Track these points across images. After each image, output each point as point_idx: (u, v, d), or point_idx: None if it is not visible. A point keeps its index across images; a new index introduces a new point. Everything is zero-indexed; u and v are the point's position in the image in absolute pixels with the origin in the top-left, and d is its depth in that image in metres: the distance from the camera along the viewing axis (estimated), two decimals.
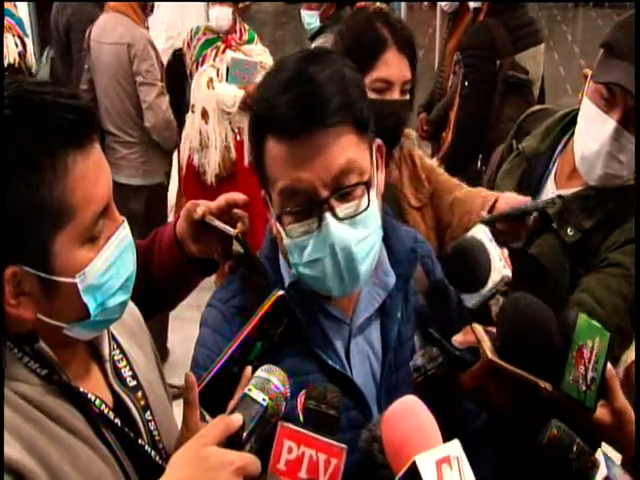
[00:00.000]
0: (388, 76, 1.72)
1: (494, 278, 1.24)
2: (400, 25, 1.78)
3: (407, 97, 1.78)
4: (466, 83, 3.17)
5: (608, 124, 1.47)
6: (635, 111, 1.43)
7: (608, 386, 1.06)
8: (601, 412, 1.06)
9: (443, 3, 4.11)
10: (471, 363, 1.11)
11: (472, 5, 3.51)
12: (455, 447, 0.91)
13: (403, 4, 7.29)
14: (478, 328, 1.10)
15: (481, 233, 1.29)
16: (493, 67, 3.14)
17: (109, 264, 0.96)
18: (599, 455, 1.00)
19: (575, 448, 0.97)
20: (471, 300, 1.26)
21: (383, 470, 0.97)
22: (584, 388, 1.03)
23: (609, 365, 1.05)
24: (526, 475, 1.05)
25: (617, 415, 1.07)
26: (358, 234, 1.09)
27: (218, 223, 1.26)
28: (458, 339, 1.13)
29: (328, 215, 1.07)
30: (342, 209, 1.08)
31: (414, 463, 0.88)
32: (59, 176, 0.89)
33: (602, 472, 0.98)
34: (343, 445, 0.98)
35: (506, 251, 1.30)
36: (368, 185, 1.10)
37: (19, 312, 0.92)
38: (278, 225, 1.12)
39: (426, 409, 0.96)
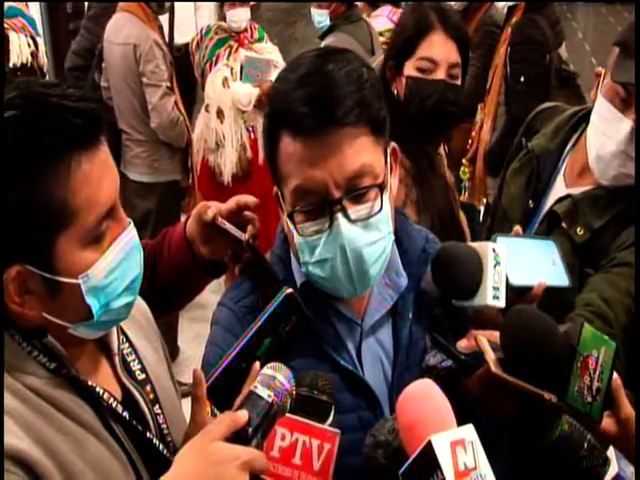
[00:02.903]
0: (432, 55, 1.76)
1: (476, 301, 1.19)
2: (451, 13, 1.84)
3: (457, 82, 1.80)
4: (522, 79, 3.15)
5: (624, 124, 1.46)
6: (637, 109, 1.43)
7: (614, 396, 1.05)
8: (607, 422, 1.05)
9: (453, 2, 4.11)
10: (477, 367, 1.11)
11: (502, 4, 3.50)
12: (470, 431, 0.92)
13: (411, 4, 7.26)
14: (482, 339, 1.10)
15: (488, 253, 1.20)
16: (545, 61, 3.15)
17: (114, 266, 0.96)
18: (610, 453, 1.00)
19: (586, 445, 0.98)
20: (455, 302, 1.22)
21: (387, 475, 0.97)
22: (589, 399, 1.02)
23: (615, 375, 1.04)
24: (537, 472, 1.05)
25: (623, 425, 1.06)
26: (370, 237, 1.09)
27: (229, 227, 1.26)
28: (463, 345, 1.13)
29: (340, 216, 1.07)
30: (354, 211, 1.08)
31: (429, 442, 0.89)
32: (62, 178, 0.89)
33: (613, 469, 0.98)
34: (336, 430, 0.99)
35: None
36: (382, 188, 1.09)
37: (23, 310, 0.93)
38: (289, 223, 1.12)
39: (441, 392, 0.97)
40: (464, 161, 3.51)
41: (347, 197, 1.07)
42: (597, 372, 1.03)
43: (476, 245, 1.23)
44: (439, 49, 1.77)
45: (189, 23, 5.35)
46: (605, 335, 1.07)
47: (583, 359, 1.04)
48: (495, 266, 1.20)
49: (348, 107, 1.05)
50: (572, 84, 3.22)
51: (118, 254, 0.97)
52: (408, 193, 1.73)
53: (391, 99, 1.76)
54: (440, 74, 1.77)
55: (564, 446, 0.98)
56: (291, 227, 1.11)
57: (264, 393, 0.96)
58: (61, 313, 0.95)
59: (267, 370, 1.00)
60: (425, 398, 0.96)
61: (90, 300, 0.94)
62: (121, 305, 0.99)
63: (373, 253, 1.10)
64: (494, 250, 1.20)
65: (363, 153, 1.07)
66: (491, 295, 1.18)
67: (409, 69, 1.80)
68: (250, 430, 0.93)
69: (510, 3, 3.41)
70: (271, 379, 0.98)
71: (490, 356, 1.06)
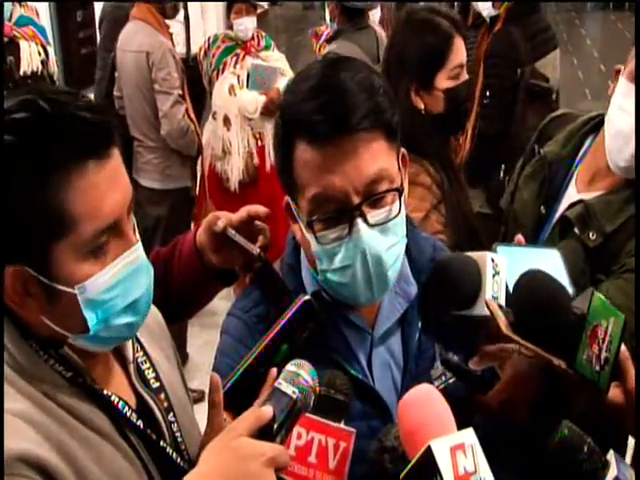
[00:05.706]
0: (461, 60, 1.88)
1: (474, 311, 1.17)
2: (449, 13, 1.96)
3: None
4: (487, 93, 3.15)
5: None
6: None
7: (622, 367, 1.05)
8: (614, 393, 1.05)
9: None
10: (490, 382, 1.11)
11: (486, 14, 3.48)
12: (470, 435, 0.91)
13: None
14: (492, 303, 1.10)
15: (487, 263, 1.17)
16: (515, 76, 3.13)
17: (114, 282, 0.95)
18: (610, 456, 1.00)
19: (586, 449, 0.97)
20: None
21: None
22: (597, 368, 1.02)
23: (623, 347, 1.04)
24: (537, 476, 1.04)
25: (630, 396, 1.06)
26: (388, 241, 1.10)
27: (239, 239, 1.26)
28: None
29: (360, 221, 1.07)
30: (373, 215, 1.08)
31: (429, 448, 0.88)
32: (63, 186, 0.89)
33: (613, 473, 0.98)
34: (352, 429, 0.99)
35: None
36: (399, 192, 1.10)
37: (22, 311, 0.93)
38: (305, 232, 1.11)
39: (442, 397, 0.97)
40: None
41: (366, 202, 1.07)
42: (606, 342, 1.02)
43: (475, 255, 1.22)
44: (462, 52, 1.88)
45: (197, 31, 5.39)
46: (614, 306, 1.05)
47: (592, 328, 1.03)
48: (494, 276, 1.19)
49: (363, 114, 1.05)
50: (547, 99, 3.19)
51: (121, 271, 0.95)
52: (435, 203, 1.76)
53: (415, 115, 1.81)
54: (465, 74, 1.89)
55: (564, 450, 0.97)
56: (309, 236, 1.11)
57: (288, 389, 0.96)
58: (59, 321, 0.95)
59: (291, 367, 1.00)
60: (425, 403, 0.96)
61: (87, 313, 0.94)
62: (122, 324, 0.98)
63: (391, 257, 1.11)
64: (493, 260, 1.20)
65: (379, 158, 1.08)
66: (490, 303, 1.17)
67: (442, 81, 1.86)
68: (275, 426, 0.93)
69: (493, 13, 3.38)
70: (295, 375, 0.98)
71: (501, 319, 1.06)
